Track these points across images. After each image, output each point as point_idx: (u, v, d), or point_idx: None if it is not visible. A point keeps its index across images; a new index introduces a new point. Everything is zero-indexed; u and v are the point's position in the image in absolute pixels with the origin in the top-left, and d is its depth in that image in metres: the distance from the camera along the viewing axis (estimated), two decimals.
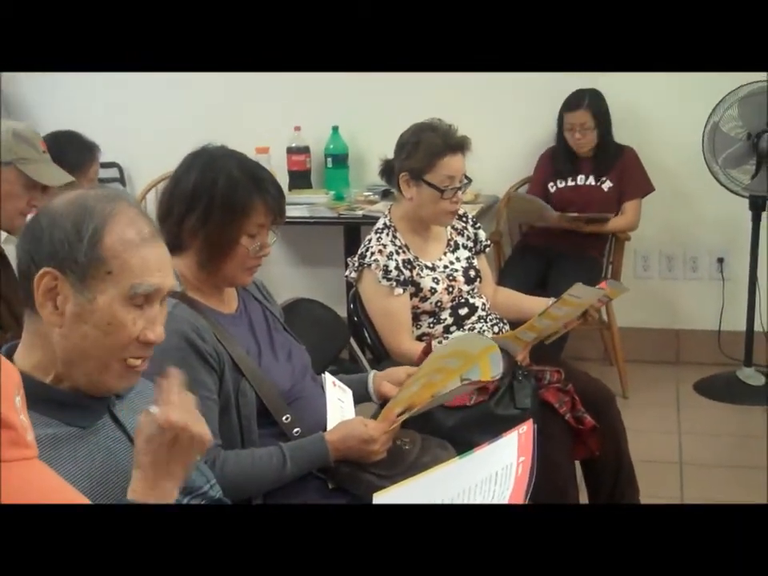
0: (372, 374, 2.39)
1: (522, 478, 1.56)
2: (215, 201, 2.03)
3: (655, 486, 3.26)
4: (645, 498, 2.99)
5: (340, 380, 2.32)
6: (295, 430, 2.09)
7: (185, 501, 1.59)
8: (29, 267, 1.46)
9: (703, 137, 4.07)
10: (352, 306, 3.01)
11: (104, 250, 1.45)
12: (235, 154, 2.12)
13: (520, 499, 1.52)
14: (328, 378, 2.26)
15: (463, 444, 1.99)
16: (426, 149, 2.80)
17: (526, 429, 1.65)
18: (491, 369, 2.08)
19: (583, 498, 2.88)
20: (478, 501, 1.63)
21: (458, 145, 2.82)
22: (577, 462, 2.83)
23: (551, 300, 2.87)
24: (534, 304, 2.99)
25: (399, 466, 2.10)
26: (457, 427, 2.47)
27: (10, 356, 1.50)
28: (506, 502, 1.54)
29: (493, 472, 1.64)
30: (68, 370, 1.47)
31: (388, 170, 2.92)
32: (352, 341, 3.26)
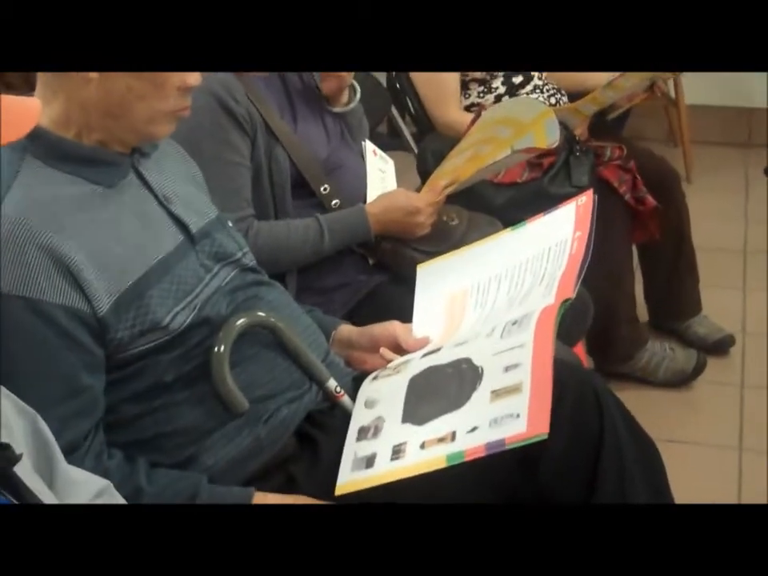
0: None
1: (576, 257, 1.50)
2: None
3: (716, 276, 3.16)
4: (704, 288, 2.91)
5: None
6: (334, 201, 2.02)
7: (216, 268, 1.54)
8: None
9: None
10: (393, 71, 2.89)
11: None
12: None
13: (572, 281, 1.46)
14: (368, 147, 2.16)
15: (513, 224, 1.91)
16: None
17: (585, 200, 1.57)
18: (547, 136, 1.97)
19: (638, 287, 2.80)
20: (528, 280, 1.59)
21: None
22: (633, 247, 2.77)
23: None
24: (597, 74, 2.80)
25: (445, 242, 2.04)
26: (507, 205, 2.41)
27: None
28: (556, 282, 1.49)
29: (546, 247, 1.59)
30: (107, 122, 1.44)
31: None
32: (393, 110, 3.11)
